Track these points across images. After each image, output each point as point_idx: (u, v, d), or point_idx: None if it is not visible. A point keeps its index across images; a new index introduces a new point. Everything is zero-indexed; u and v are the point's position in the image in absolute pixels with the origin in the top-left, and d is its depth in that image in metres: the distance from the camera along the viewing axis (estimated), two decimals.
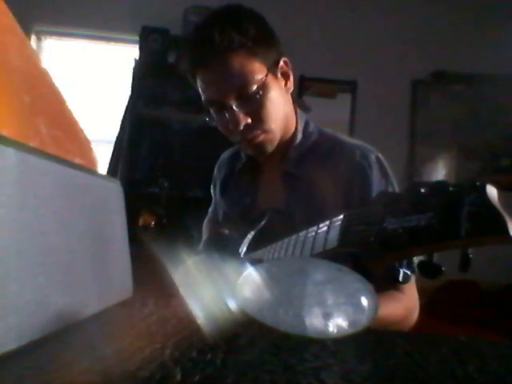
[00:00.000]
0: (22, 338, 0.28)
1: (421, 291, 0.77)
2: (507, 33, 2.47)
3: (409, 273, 0.37)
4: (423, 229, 0.32)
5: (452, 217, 0.31)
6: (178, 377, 0.25)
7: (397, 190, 0.79)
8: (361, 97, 2.63)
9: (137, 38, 2.41)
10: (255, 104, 0.75)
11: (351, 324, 0.30)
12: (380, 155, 0.82)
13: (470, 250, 0.31)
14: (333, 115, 2.54)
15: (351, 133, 2.55)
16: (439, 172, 2.64)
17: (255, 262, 0.58)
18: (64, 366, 0.27)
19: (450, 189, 0.32)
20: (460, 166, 2.63)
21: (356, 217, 0.41)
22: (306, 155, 0.84)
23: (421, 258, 0.34)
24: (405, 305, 0.74)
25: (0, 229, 0.27)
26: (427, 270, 0.34)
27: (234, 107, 0.74)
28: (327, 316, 0.31)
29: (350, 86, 2.64)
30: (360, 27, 2.60)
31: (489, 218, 0.29)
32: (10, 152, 0.29)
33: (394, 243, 0.34)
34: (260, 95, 0.74)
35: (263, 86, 0.74)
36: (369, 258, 0.36)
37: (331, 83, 2.63)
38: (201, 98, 0.80)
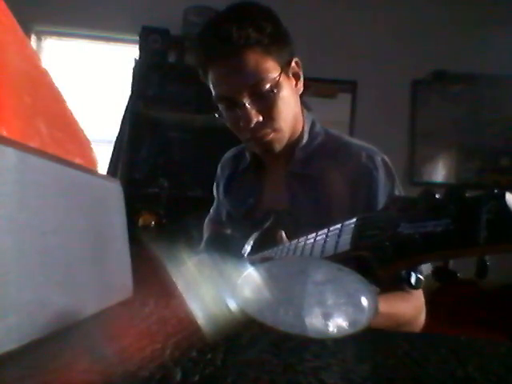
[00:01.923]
0: (22, 338, 0.28)
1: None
2: (507, 33, 2.47)
3: (422, 277, 0.37)
4: (440, 235, 0.32)
5: (470, 224, 0.30)
6: (178, 377, 0.25)
7: (402, 192, 0.79)
8: (361, 97, 2.63)
9: (137, 38, 2.41)
10: (268, 102, 0.74)
11: (351, 324, 0.30)
12: (386, 157, 0.82)
13: (486, 258, 0.31)
14: (333, 115, 2.54)
15: (351, 133, 2.55)
16: (439, 172, 2.65)
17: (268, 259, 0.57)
18: (64, 366, 0.27)
19: (467, 195, 0.32)
20: (460, 166, 2.63)
21: (369, 220, 0.41)
22: (311, 156, 0.84)
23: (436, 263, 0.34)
24: (413, 305, 0.74)
25: (0, 229, 0.27)
26: (443, 276, 0.33)
27: (247, 104, 0.73)
28: (327, 316, 0.30)
29: (350, 86, 2.64)
30: (360, 27, 2.60)
31: (508, 226, 0.29)
32: (9, 152, 0.29)
33: (409, 248, 0.33)
34: (273, 94, 0.74)
35: (277, 85, 0.74)
36: (383, 263, 0.36)
37: (331, 83, 2.63)
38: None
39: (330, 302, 0.32)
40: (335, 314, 0.31)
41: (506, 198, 0.30)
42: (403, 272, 0.37)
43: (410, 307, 0.73)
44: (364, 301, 0.32)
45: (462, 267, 0.35)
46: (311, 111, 0.92)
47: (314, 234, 0.51)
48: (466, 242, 0.30)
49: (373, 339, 0.35)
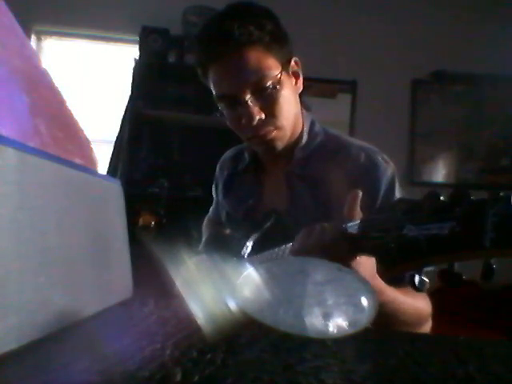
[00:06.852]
0: (21, 338, 0.28)
1: None
2: (507, 33, 2.47)
3: (426, 279, 0.37)
4: (445, 237, 0.32)
5: (476, 227, 0.30)
6: (178, 377, 0.25)
7: (402, 192, 0.79)
8: (361, 97, 2.63)
9: (137, 37, 2.41)
10: (270, 99, 0.75)
11: (351, 324, 0.30)
12: (386, 157, 0.81)
13: (492, 260, 0.31)
14: (333, 115, 2.54)
15: (351, 133, 2.55)
16: (439, 172, 2.65)
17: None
18: (64, 366, 0.27)
19: (472, 198, 0.32)
20: (460, 166, 2.63)
21: (374, 222, 0.41)
22: (311, 156, 0.84)
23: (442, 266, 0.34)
24: (429, 303, 0.73)
25: (0, 229, 0.27)
26: (448, 279, 0.33)
27: (249, 102, 0.73)
28: (327, 316, 0.30)
29: (350, 86, 2.64)
30: (360, 27, 2.60)
31: None
32: (9, 152, 0.29)
33: (414, 251, 0.33)
34: (275, 91, 0.74)
35: (278, 82, 0.74)
36: (388, 265, 0.36)
37: (331, 83, 2.63)
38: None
39: (329, 302, 0.32)
40: (335, 313, 0.31)
41: (511, 201, 0.30)
42: (407, 274, 0.37)
43: (428, 304, 0.72)
44: (364, 301, 0.32)
45: (464, 267, 0.35)
46: (311, 111, 0.92)
47: None
48: (471, 245, 0.30)
49: (373, 339, 0.34)
